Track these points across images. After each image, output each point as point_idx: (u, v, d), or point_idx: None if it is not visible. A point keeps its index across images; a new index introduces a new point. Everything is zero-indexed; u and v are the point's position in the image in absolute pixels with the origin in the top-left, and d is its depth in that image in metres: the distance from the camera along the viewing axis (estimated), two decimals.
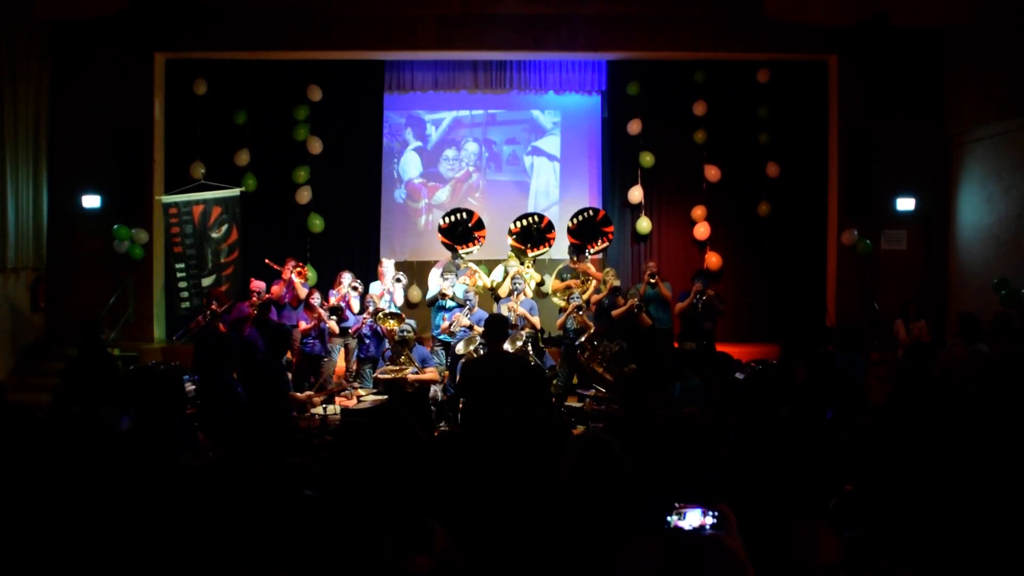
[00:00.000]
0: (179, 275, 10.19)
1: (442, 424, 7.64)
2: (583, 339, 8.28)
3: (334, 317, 8.80)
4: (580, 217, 10.28)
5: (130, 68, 10.69)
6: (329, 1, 10.53)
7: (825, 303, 11.19)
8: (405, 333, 7.75)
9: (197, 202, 10.36)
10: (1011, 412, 5.00)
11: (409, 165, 11.99)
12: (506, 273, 9.56)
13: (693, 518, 1.94)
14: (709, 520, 1.94)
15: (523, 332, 8.22)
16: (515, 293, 8.79)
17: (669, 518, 1.93)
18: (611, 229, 10.42)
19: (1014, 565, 2.62)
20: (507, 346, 8.03)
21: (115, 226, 10.35)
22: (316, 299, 8.81)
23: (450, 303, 8.89)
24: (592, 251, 10.17)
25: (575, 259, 9.53)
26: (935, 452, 3.42)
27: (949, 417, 4.55)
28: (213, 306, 8.36)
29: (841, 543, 2.29)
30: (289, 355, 8.17)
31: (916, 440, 3.57)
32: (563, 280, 9.46)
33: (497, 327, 5.54)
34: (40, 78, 10.38)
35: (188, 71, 11.05)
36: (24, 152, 10.09)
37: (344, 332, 9.04)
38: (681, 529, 1.93)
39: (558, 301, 9.29)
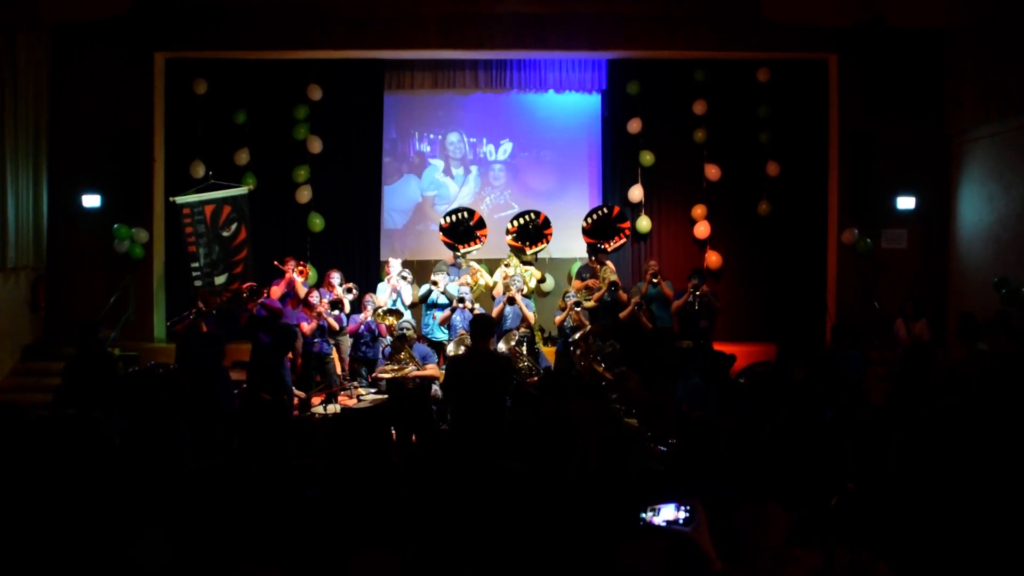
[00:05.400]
0: (194, 274, 10.19)
1: (444, 425, 7.64)
2: (577, 336, 8.25)
3: (335, 311, 8.79)
4: (595, 215, 10.28)
5: (130, 68, 10.69)
6: (329, 1, 10.53)
7: (825, 302, 11.19)
8: (405, 329, 7.74)
9: (208, 202, 10.36)
10: (1011, 411, 5.00)
11: (424, 178, 11.96)
12: (504, 273, 9.56)
13: (667, 513, 1.96)
14: (682, 515, 1.95)
15: (516, 332, 8.22)
16: (515, 289, 8.79)
17: (644, 515, 1.96)
18: (627, 225, 10.42)
19: (1014, 564, 2.62)
20: (501, 345, 8.04)
21: (115, 226, 10.35)
22: (315, 297, 8.81)
23: (442, 299, 8.90)
24: (609, 249, 10.11)
25: (593, 258, 9.52)
26: (934, 451, 3.42)
27: (949, 417, 4.55)
28: (199, 305, 8.34)
29: (792, 520, 2.30)
30: (290, 355, 8.17)
31: (915, 440, 3.57)
32: (583, 280, 9.44)
33: (482, 326, 5.56)
34: (40, 78, 10.37)
35: (188, 71, 11.05)
36: (24, 152, 10.09)
37: (340, 331, 9.04)
38: (654, 525, 1.96)
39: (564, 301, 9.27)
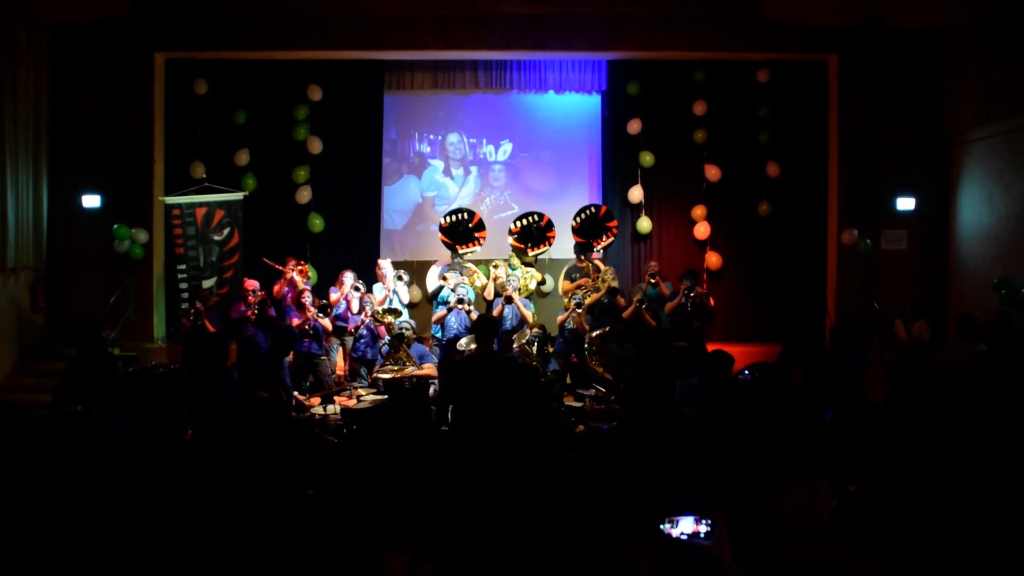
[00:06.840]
0: (180, 276, 10.19)
1: (443, 427, 7.64)
2: (596, 333, 8.21)
3: (322, 315, 8.78)
4: (583, 215, 10.28)
5: (130, 68, 10.69)
6: (329, 1, 10.53)
7: (825, 303, 11.19)
8: (403, 329, 7.75)
9: (200, 204, 10.37)
10: (1010, 411, 5.00)
11: (424, 179, 11.96)
12: (487, 273, 9.55)
13: (685, 526, 1.94)
14: (703, 529, 1.93)
15: (528, 332, 8.20)
16: (511, 289, 8.80)
17: (662, 526, 1.94)
18: (615, 224, 10.42)
19: (1014, 565, 2.62)
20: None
21: (115, 226, 10.34)
22: (308, 298, 8.81)
23: (451, 296, 8.91)
24: (598, 248, 10.13)
25: (582, 258, 9.51)
26: (934, 451, 3.42)
27: (949, 417, 4.55)
28: (198, 305, 8.39)
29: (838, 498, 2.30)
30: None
31: (915, 440, 3.57)
32: (572, 280, 9.44)
33: (485, 327, 5.56)
34: (40, 78, 10.37)
35: (188, 71, 11.05)
36: (24, 152, 10.09)
37: (343, 331, 9.04)
38: (672, 537, 1.94)
39: (569, 302, 9.28)
